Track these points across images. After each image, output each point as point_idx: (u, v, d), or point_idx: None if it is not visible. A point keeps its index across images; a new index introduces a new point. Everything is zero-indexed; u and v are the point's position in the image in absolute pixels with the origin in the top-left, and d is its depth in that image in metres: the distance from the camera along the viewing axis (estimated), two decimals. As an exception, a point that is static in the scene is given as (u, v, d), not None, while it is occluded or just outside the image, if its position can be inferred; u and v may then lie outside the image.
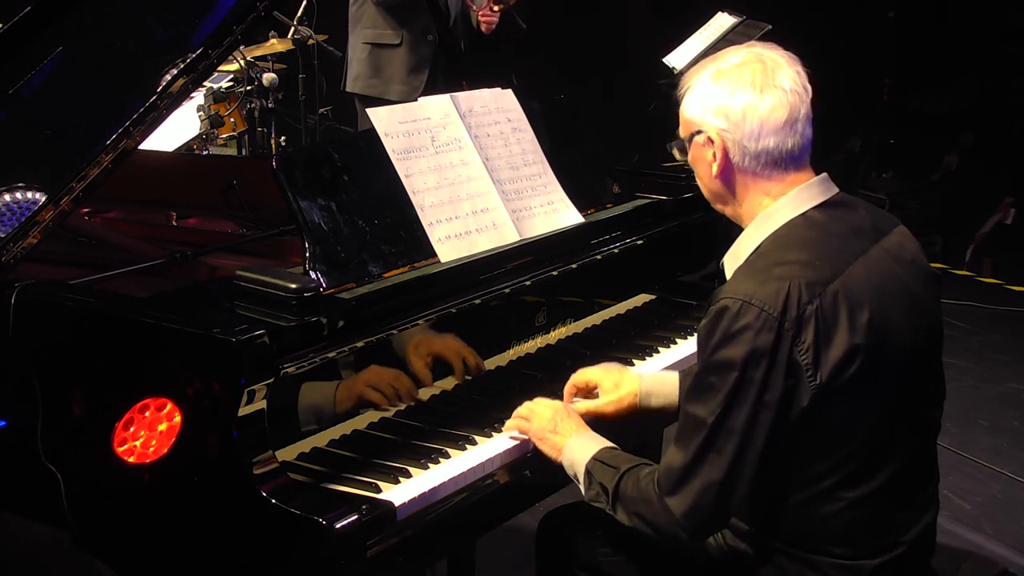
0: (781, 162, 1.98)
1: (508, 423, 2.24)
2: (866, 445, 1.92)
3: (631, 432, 2.38)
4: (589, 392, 2.37)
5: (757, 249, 1.99)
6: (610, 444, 2.14)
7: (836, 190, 2.03)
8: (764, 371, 1.84)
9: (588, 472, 2.07)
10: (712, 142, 1.99)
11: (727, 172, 2.01)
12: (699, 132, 2.01)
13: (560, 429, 2.16)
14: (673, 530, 1.93)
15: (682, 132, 2.07)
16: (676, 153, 2.11)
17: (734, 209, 2.06)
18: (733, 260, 2.04)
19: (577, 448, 2.12)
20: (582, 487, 2.09)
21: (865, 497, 1.94)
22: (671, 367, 2.62)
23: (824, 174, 2.03)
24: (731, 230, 2.97)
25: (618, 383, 2.33)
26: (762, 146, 1.96)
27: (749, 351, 1.85)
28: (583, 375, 2.36)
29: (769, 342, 1.84)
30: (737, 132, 1.96)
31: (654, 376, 2.36)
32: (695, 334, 2.74)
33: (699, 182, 2.10)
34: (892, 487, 1.96)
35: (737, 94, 1.95)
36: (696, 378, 1.94)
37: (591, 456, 2.08)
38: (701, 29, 5.53)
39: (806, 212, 1.98)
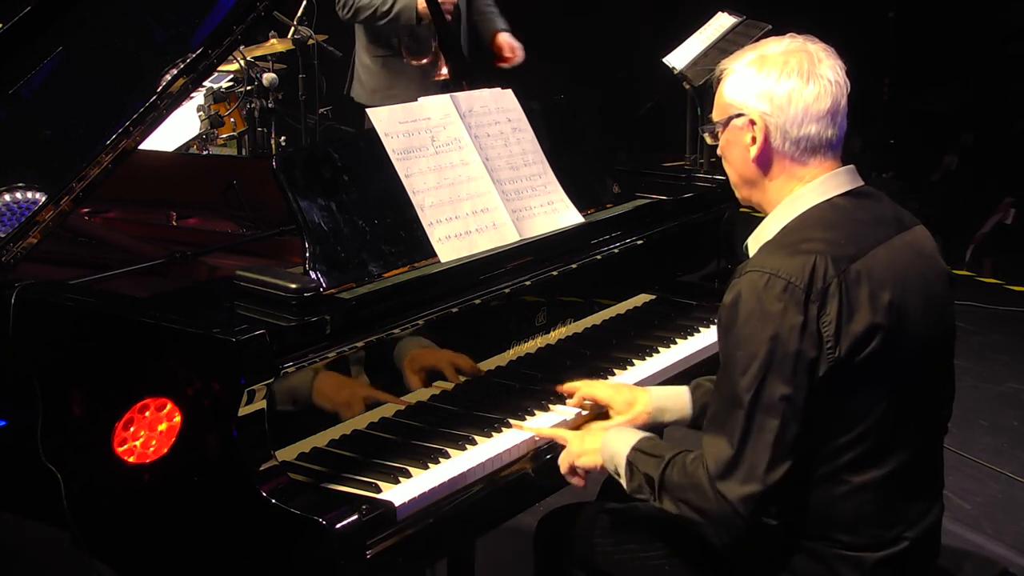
0: (819, 149, 2.02)
1: (546, 432, 2.24)
2: (874, 430, 1.93)
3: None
4: (599, 410, 2.35)
5: (782, 230, 2.02)
6: (648, 434, 2.14)
7: (862, 182, 2.07)
8: (796, 344, 1.86)
9: (630, 463, 2.06)
10: (753, 125, 2.02)
11: (765, 155, 2.03)
12: (740, 115, 2.03)
13: (587, 439, 2.16)
14: (728, 515, 1.90)
15: (717, 116, 2.09)
16: (707, 138, 2.14)
17: (761, 195, 2.08)
18: (757, 241, 2.07)
19: (615, 441, 2.11)
20: (624, 480, 2.07)
21: (870, 484, 1.96)
22: (671, 367, 2.62)
23: (852, 165, 2.07)
24: (732, 230, 2.98)
25: (630, 402, 2.31)
26: (804, 132, 2.00)
27: (779, 324, 1.87)
28: (590, 389, 2.35)
29: (798, 315, 1.87)
30: (780, 116, 1.99)
31: (665, 391, 2.35)
32: (695, 334, 2.75)
33: (729, 167, 2.12)
34: (897, 478, 1.97)
35: (783, 80, 1.99)
36: (726, 356, 1.94)
37: (631, 447, 2.08)
38: (701, 29, 5.54)
39: (832, 198, 2.02)
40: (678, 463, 1.99)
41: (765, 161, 2.04)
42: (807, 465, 1.95)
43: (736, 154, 2.08)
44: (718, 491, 1.90)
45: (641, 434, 2.12)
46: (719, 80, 2.10)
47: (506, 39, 4.60)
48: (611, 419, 2.31)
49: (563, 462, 2.17)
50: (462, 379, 2.31)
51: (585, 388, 2.35)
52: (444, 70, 4.50)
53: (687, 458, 1.98)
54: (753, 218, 2.14)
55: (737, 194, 2.15)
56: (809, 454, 1.94)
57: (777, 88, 1.99)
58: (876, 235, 2.00)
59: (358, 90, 4.76)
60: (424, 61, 4.57)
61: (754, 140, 2.03)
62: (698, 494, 1.93)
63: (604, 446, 2.12)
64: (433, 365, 2.26)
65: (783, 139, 2.01)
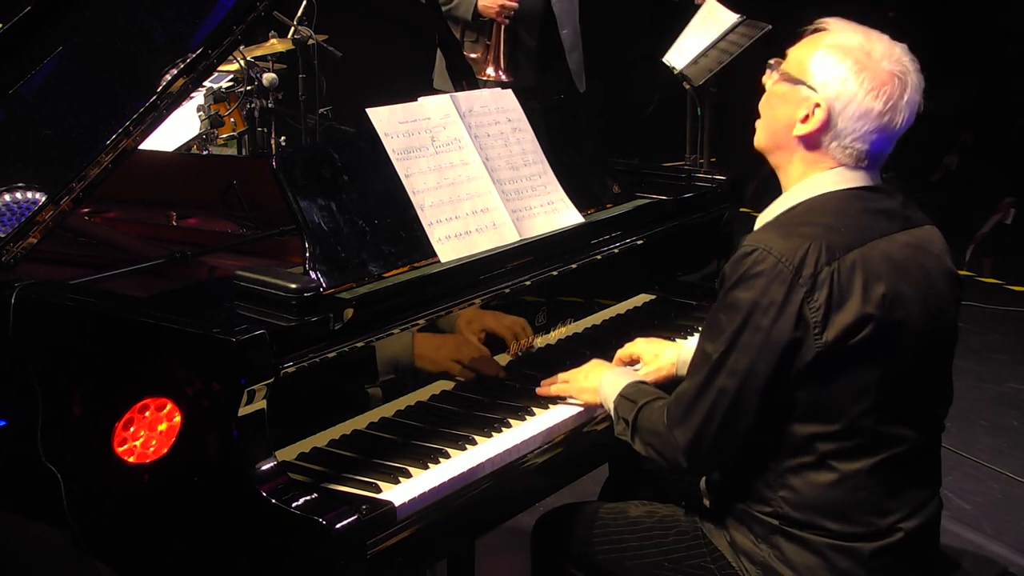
0: (860, 160, 2.02)
1: (551, 389, 2.36)
2: (865, 420, 1.95)
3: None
4: (633, 363, 2.47)
5: (788, 210, 2.04)
6: (637, 379, 2.26)
7: (879, 179, 2.08)
8: (771, 319, 1.91)
9: (615, 409, 2.19)
10: (817, 107, 1.99)
11: (809, 139, 2.02)
12: (811, 89, 2.00)
13: (591, 375, 2.31)
14: (676, 459, 2.03)
15: (793, 69, 2.03)
16: (767, 72, 2.09)
17: (782, 160, 2.08)
18: (764, 220, 2.09)
19: (608, 387, 2.25)
20: (615, 424, 2.20)
21: (861, 473, 1.97)
22: (671, 367, 2.63)
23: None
24: (732, 230, 2.98)
25: (657, 354, 2.44)
26: (853, 143, 2.01)
27: (759, 296, 1.92)
28: (627, 349, 2.48)
29: (780, 292, 1.91)
30: (845, 121, 1.99)
31: (692, 349, 2.39)
32: (695, 334, 2.76)
33: (767, 116, 2.09)
34: (890, 469, 1.99)
35: (871, 96, 1.96)
36: (710, 315, 2.02)
37: (618, 393, 2.20)
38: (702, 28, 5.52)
39: (843, 189, 2.03)
40: (648, 409, 2.11)
41: (808, 142, 2.03)
42: (792, 450, 1.97)
43: (781, 113, 2.05)
44: (672, 433, 2.02)
45: (630, 379, 2.25)
46: (814, 31, 2.04)
47: None
48: (639, 369, 2.43)
49: (564, 393, 2.34)
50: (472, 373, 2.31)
51: (621, 351, 2.48)
52: (489, 70, 4.52)
53: (656, 404, 2.10)
54: (753, 218, 2.14)
55: (756, 140, 2.12)
56: (794, 438, 1.97)
57: (862, 98, 1.96)
58: (879, 227, 2.01)
59: (438, 77, 4.73)
60: (474, 56, 4.59)
61: (807, 119, 2.01)
62: (657, 438, 2.06)
63: (600, 389, 2.28)
64: (491, 330, 2.36)
65: (833, 139, 2.01)
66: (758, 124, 2.12)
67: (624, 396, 2.19)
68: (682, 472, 2.08)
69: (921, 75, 2.02)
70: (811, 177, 2.04)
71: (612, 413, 2.21)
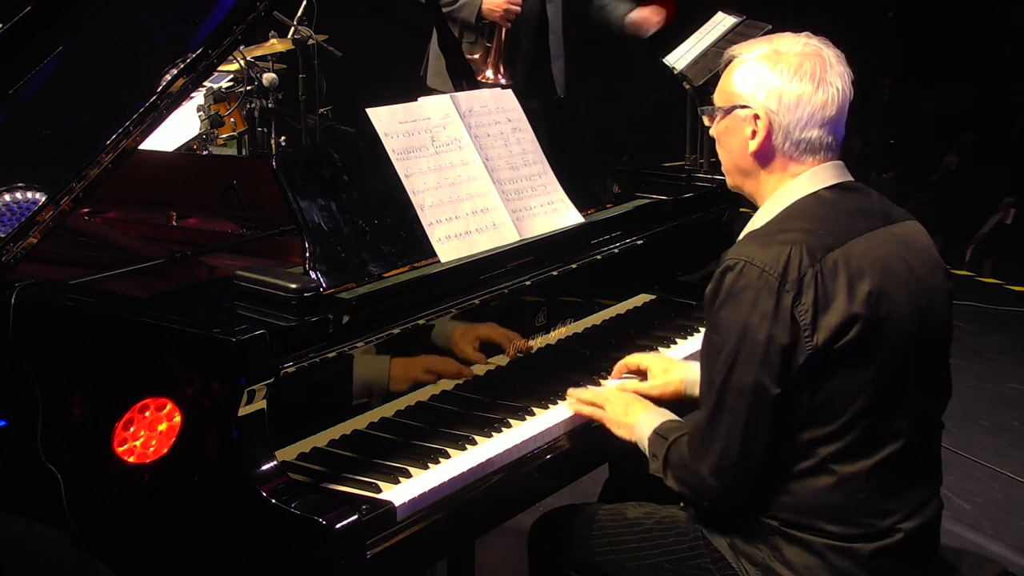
0: (818, 151, 2.04)
1: (578, 407, 2.31)
2: (861, 420, 1.95)
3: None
4: (639, 374, 2.45)
5: (768, 222, 2.05)
6: (672, 416, 2.22)
7: (850, 177, 2.09)
8: (766, 330, 1.90)
9: (649, 445, 2.15)
10: (757, 119, 2.04)
11: (764, 151, 2.05)
12: (745, 107, 2.05)
13: (630, 412, 2.25)
14: (706, 490, 2.01)
15: (720, 101, 2.11)
16: (705, 119, 2.17)
17: (754, 185, 2.11)
18: (744, 235, 2.10)
19: (644, 425, 2.20)
20: (649, 461, 2.16)
21: (859, 474, 1.97)
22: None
23: (840, 161, 2.09)
24: (732, 230, 2.98)
25: (667, 369, 2.41)
26: (805, 135, 2.03)
27: (749, 310, 1.91)
28: (635, 359, 2.45)
29: (770, 302, 1.90)
30: (786, 117, 2.02)
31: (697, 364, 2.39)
32: (695, 334, 2.76)
33: (724, 152, 2.14)
34: (888, 470, 1.98)
35: (795, 82, 2.01)
36: (704, 338, 2.01)
37: (652, 430, 2.16)
38: (701, 29, 5.53)
39: (818, 191, 2.04)
40: (677, 444, 2.08)
41: (763, 156, 2.06)
42: (791, 454, 1.97)
43: (734, 143, 2.10)
44: (695, 465, 2.00)
45: (665, 417, 2.20)
46: (728, 64, 2.11)
47: (636, 15, 4.65)
48: (646, 382, 2.39)
49: (595, 417, 2.28)
50: (464, 377, 2.31)
51: (627, 359, 2.45)
52: (488, 72, 4.54)
53: (684, 439, 2.06)
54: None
55: (728, 180, 2.18)
56: (791, 442, 1.97)
57: (788, 88, 2.01)
58: (858, 225, 2.01)
59: (430, 74, 4.73)
60: (475, 57, 4.59)
61: (755, 134, 2.05)
62: (685, 471, 2.04)
63: (635, 427, 2.21)
64: (484, 338, 2.34)
65: (784, 139, 2.03)
66: (723, 168, 2.17)
67: (658, 432, 2.15)
68: (716, 503, 2.05)
69: (835, 48, 2.06)
70: (782, 188, 2.06)
71: (646, 450, 2.17)
